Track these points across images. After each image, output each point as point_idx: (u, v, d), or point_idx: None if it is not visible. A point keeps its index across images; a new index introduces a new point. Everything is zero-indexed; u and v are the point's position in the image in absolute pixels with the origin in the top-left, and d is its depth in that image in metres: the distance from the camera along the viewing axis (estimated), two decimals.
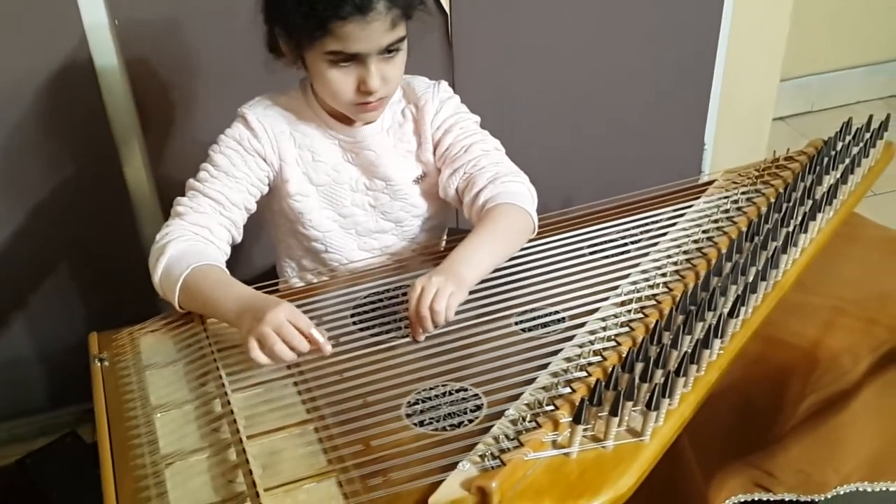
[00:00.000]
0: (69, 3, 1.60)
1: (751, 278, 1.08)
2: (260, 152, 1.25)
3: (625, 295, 1.13)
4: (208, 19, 1.68)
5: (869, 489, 1.21)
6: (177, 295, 1.13)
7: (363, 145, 1.29)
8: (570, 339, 1.06)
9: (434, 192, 1.35)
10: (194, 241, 1.18)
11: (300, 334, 0.99)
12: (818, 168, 1.34)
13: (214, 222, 1.21)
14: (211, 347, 1.11)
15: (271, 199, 1.33)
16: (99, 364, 1.12)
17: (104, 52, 1.67)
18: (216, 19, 1.66)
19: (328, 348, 1.01)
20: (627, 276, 1.17)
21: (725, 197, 1.35)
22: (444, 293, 1.06)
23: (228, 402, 1.01)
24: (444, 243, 1.44)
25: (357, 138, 1.29)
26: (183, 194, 1.24)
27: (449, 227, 1.48)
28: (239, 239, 1.26)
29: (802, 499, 1.19)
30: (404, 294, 1.20)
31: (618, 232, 1.29)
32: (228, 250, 1.23)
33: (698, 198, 1.36)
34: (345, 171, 1.31)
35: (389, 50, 1.16)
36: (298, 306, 1.16)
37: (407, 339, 1.10)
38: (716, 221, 1.28)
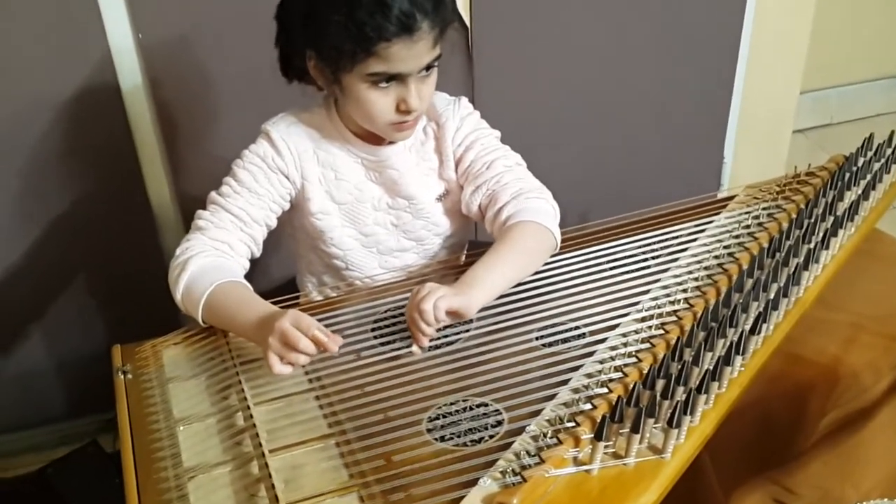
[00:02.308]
0: (95, 21, 1.62)
1: (772, 295, 1.08)
2: (283, 170, 1.25)
3: (645, 311, 1.13)
4: (231, 35, 1.70)
5: None
6: (200, 313, 1.14)
7: (386, 164, 1.29)
8: (590, 354, 1.06)
9: (456, 210, 1.35)
10: (214, 256, 1.18)
11: (305, 337, 1.01)
12: (839, 184, 1.33)
13: (235, 238, 1.21)
14: (233, 360, 1.12)
15: (292, 216, 1.33)
16: (122, 376, 1.13)
17: (129, 68, 1.69)
18: (238, 35, 1.67)
19: (334, 347, 1.02)
20: (648, 291, 1.17)
21: (746, 213, 1.34)
22: (433, 295, 1.06)
23: (251, 416, 1.02)
24: (463, 257, 1.44)
25: (381, 158, 1.29)
26: (204, 208, 1.25)
27: (469, 240, 1.48)
28: (258, 254, 1.27)
29: None
30: None
31: (638, 247, 1.29)
32: (247, 265, 1.24)
33: (719, 213, 1.36)
34: (367, 190, 1.31)
35: (428, 68, 1.16)
36: (319, 320, 1.18)
37: (427, 354, 1.10)
38: (737, 237, 1.28)
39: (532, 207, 1.25)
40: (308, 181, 1.27)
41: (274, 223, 1.28)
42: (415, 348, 1.10)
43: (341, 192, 1.30)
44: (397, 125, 1.20)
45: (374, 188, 1.31)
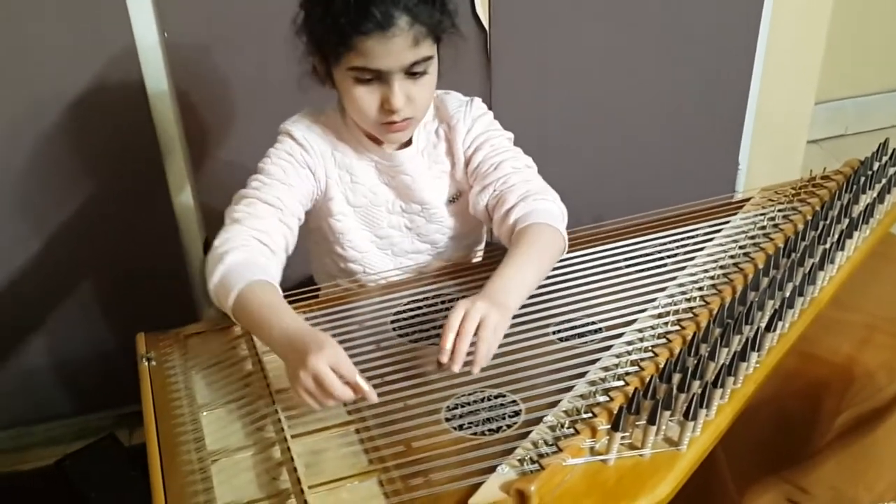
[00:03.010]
0: (122, 19, 1.65)
1: (788, 293, 1.09)
2: (311, 166, 1.25)
3: (662, 307, 1.14)
4: (255, 34, 1.72)
5: None
6: (230, 308, 1.10)
7: (399, 169, 1.29)
8: (606, 349, 1.07)
9: (469, 211, 1.34)
10: (252, 252, 1.14)
11: (343, 383, 0.95)
12: (855, 187, 1.34)
13: (274, 227, 1.18)
14: (255, 350, 1.14)
15: (309, 218, 1.32)
16: (147, 363, 1.15)
17: (153, 67, 1.72)
18: (263, 35, 1.69)
19: (374, 397, 0.97)
20: (664, 289, 1.19)
21: (762, 214, 1.36)
22: (489, 323, 1.01)
23: (273, 402, 1.03)
24: (480, 255, 1.46)
25: (393, 162, 1.29)
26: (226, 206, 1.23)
27: (486, 240, 1.49)
28: (292, 249, 1.23)
29: None
30: (443, 302, 1.23)
31: (654, 246, 1.30)
32: (284, 259, 1.20)
33: (735, 214, 1.37)
34: (381, 193, 1.31)
35: (415, 70, 1.15)
36: (339, 312, 1.20)
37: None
38: (752, 237, 1.29)
39: (541, 209, 1.24)
40: (330, 180, 1.28)
41: (303, 219, 1.27)
42: (445, 364, 1.01)
43: (357, 195, 1.30)
44: (386, 125, 1.20)
45: (387, 191, 1.32)
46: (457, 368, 0.99)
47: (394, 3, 1.09)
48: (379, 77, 1.15)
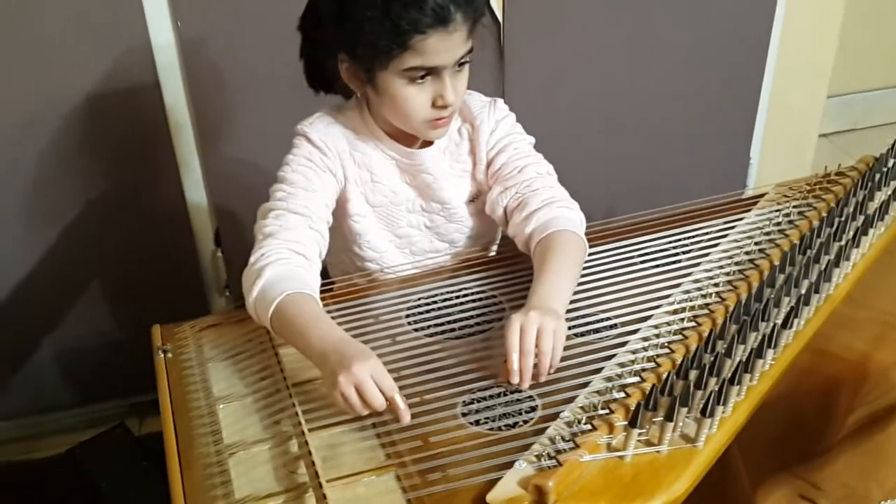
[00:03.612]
0: (138, 18, 1.66)
1: (804, 290, 1.09)
2: (331, 168, 1.24)
3: (677, 304, 1.14)
4: (269, 29, 1.72)
5: None
6: (269, 322, 1.09)
7: (421, 168, 1.29)
8: (622, 345, 1.07)
9: (486, 211, 1.34)
10: (289, 264, 1.12)
11: (381, 395, 0.95)
12: (870, 184, 1.34)
13: (306, 237, 1.17)
14: (271, 342, 1.14)
15: None
16: (162, 355, 1.15)
17: (168, 65, 1.73)
18: (278, 30, 1.67)
19: (407, 418, 0.97)
20: (679, 285, 1.19)
21: (777, 210, 1.36)
22: (547, 330, 1.01)
23: (290, 396, 1.04)
24: (493, 253, 1.45)
25: (416, 161, 1.28)
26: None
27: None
28: (325, 253, 1.22)
29: None
30: (457, 296, 1.23)
31: (668, 242, 1.30)
32: (320, 264, 1.19)
33: (749, 210, 1.37)
34: (402, 192, 1.31)
35: (461, 62, 1.16)
36: (355, 306, 1.20)
37: (461, 340, 1.12)
38: (767, 234, 1.29)
39: (564, 216, 1.23)
40: (349, 181, 1.27)
41: (331, 221, 1.25)
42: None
43: (377, 194, 1.30)
44: (433, 122, 1.20)
45: (407, 190, 1.31)
46: (526, 385, 1.01)
47: None
48: (430, 74, 1.15)
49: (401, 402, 0.96)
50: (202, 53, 1.73)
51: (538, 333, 1.00)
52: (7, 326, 1.90)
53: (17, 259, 1.83)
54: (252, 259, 1.14)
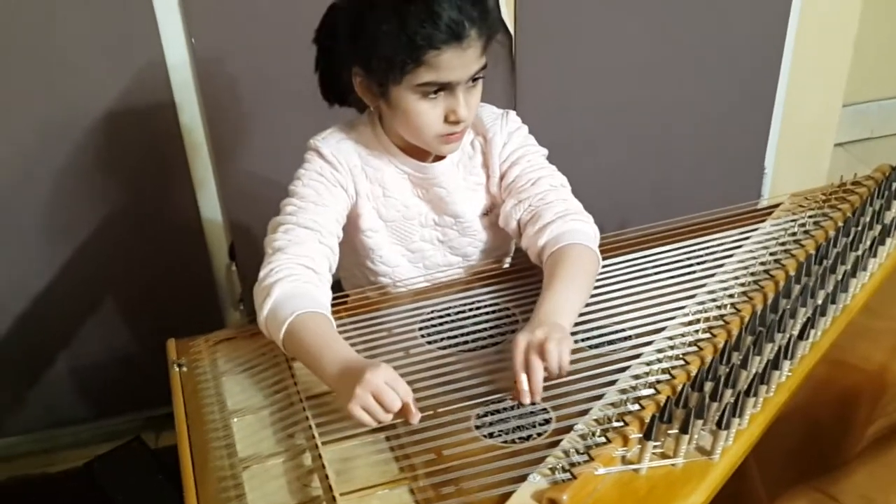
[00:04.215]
0: (152, 34, 1.68)
1: (820, 301, 1.09)
2: (342, 183, 1.24)
3: (692, 315, 1.13)
4: (283, 44, 1.72)
5: None
6: (281, 341, 1.09)
7: (434, 182, 1.28)
8: (636, 357, 1.07)
9: (499, 223, 1.33)
10: (299, 280, 1.12)
11: (398, 398, 0.95)
12: (886, 193, 1.33)
13: (315, 252, 1.16)
14: (284, 356, 1.14)
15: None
16: (177, 369, 1.16)
17: (182, 81, 1.75)
18: (291, 45, 1.69)
19: (415, 421, 0.98)
20: (693, 296, 1.18)
21: (792, 220, 1.35)
22: (552, 339, 1.00)
23: (304, 409, 1.04)
24: (507, 263, 1.45)
25: (428, 175, 1.28)
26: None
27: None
28: (335, 267, 1.21)
29: None
30: (471, 309, 1.23)
31: (682, 253, 1.30)
32: (330, 279, 1.19)
33: (764, 220, 1.37)
34: (414, 207, 1.30)
35: (475, 78, 1.16)
36: (368, 318, 1.21)
37: (474, 353, 1.12)
38: (783, 244, 1.28)
39: (577, 229, 1.23)
40: (360, 196, 1.27)
41: (342, 236, 1.24)
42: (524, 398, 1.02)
43: (389, 209, 1.29)
44: (445, 137, 1.19)
45: (420, 204, 1.31)
46: (538, 400, 1.00)
47: (463, 13, 1.09)
48: (443, 89, 1.15)
49: (413, 407, 0.97)
50: (217, 69, 1.75)
51: (543, 350, 1.00)
52: (24, 340, 1.91)
53: (35, 274, 1.85)
54: (262, 274, 1.14)
